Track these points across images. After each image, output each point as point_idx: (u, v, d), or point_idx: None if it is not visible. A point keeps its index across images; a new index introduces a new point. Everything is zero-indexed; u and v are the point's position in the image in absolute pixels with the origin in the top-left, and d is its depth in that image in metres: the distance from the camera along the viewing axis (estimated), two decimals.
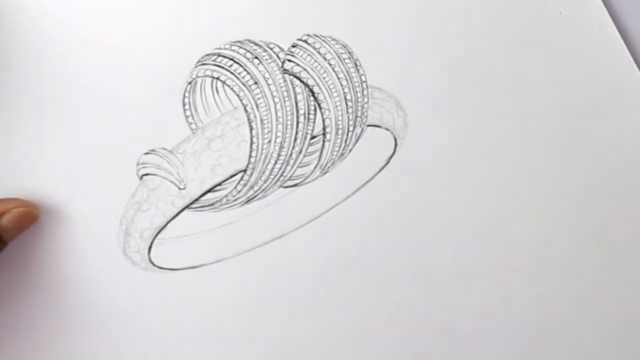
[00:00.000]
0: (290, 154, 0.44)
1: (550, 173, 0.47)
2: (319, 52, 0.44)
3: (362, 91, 0.45)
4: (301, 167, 0.44)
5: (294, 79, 0.44)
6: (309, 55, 0.44)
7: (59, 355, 0.43)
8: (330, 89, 0.44)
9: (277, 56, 0.43)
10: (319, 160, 0.45)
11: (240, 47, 0.43)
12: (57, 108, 0.42)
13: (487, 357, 0.47)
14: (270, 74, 0.43)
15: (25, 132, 0.42)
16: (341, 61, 0.44)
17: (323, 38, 0.44)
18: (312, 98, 0.44)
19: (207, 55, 0.43)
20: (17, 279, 0.43)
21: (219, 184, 0.44)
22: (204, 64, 0.43)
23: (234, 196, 0.44)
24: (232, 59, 0.43)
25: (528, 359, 0.47)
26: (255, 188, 0.44)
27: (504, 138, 0.46)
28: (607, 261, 0.48)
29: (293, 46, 0.44)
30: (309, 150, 0.44)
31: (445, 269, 0.46)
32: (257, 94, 0.43)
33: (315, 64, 0.44)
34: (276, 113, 0.44)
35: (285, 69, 0.44)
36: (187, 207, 0.43)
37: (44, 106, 0.42)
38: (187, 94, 0.43)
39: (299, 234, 0.45)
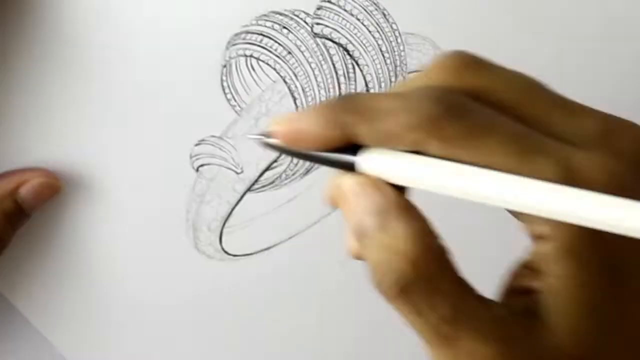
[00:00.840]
0: None
1: None
2: (345, 10, 0.43)
3: (396, 39, 0.44)
4: None
5: (327, 41, 0.43)
6: (336, 14, 0.43)
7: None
8: (364, 44, 0.43)
9: (305, 22, 0.43)
10: None
11: (267, 21, 0.42)
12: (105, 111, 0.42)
13: None
14: (302, 41, 0.43)
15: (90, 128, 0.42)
16: (369, 14, 0.43)
17: None
18: (348, 57, 0.43)
19: (236, 35, 0.42)
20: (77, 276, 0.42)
21: (275, 161, 0.43)
22: (234, 45, 0.42)
23: (292, 170, 0.43)
24: (261, 34, 0.42)
25: None
26: None
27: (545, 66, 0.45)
28: None
29: (318, 9, 0.43)
30: None
31: None
32: (293, 63, 0.43)
33: (344, 21, 0.43)
34: (316, 79, 0.43)
35: (315, 33, 0.43)
36: (248, 190, 0.43)
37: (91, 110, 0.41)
38: (224, 78, 0.42)
39: None
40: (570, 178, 0.24)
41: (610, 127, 0.27)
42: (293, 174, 0.43)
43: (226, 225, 0.43)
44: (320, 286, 0.44)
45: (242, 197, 0.43)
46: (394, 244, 0.24)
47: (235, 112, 0.43)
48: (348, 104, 0.25)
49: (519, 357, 0.24)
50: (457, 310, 0.24)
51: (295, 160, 0.43)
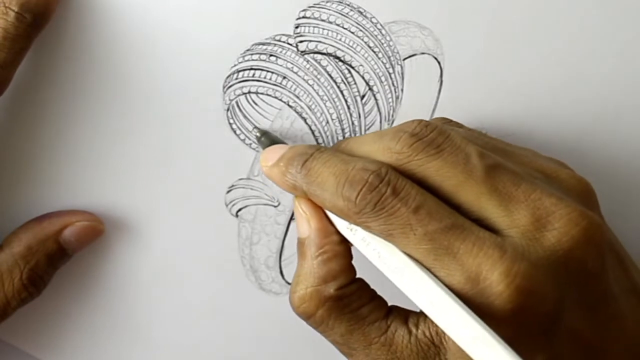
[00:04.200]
0: (352, 123, 0.43)
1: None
2: (322, 20, 0.43)
3: (380, 32, 0.44)
4: (368, 128, 0.43)
5: (315, 55, 0.43)
6: (315, 27, 0.43)
7: None
8: (352, 46, 0.43)
9: (288, 43, 0.43)
10: (380, 114, 0.44)
11: (253, 54, 0.42)
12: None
13: None
14: (292, 63, 0.43)
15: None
16: (346, 16, 0.43)
17: (318, 5, 0.43)
18: (340, 63, 0.43)
19: (228, 77, 0.42)
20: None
21: None
22: (230, 86, 0.42)
23: None
24: (251, 69, 0.42)
25: None
26: None
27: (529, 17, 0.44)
28: None
29: (297, 27, 0.43)
30: (366, 110, 0.43)
31: None
32: (291, 86, 0.43)
33: (325, 31, 0.43)
34: (317, 93, 0.43)
35: (302, 51, 0.43)
36: (291, 219, 0.43)
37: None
38: (231, 121, 0.42)
39: None
40: (473, 288, 0.29)
41: (539, 217, 0.30)
42: None
43: (282, 258, 0.43)
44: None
45: (287, 227, 0.43)
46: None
47: (253, 149, 0.42)
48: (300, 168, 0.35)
49: None
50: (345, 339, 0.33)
51: None
